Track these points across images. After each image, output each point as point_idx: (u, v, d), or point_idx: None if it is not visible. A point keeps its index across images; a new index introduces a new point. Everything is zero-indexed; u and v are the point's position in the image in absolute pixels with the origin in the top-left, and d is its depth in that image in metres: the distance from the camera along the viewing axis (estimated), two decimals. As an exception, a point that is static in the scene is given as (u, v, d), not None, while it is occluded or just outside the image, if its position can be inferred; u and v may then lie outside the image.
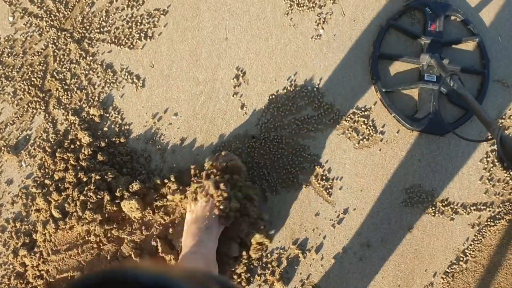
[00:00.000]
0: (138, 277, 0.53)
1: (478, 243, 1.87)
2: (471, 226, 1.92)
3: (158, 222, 1.79)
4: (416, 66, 2.11)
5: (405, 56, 2.07)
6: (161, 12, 1.99)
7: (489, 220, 1.90)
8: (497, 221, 1.90)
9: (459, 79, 1.71)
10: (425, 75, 2.00)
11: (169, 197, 1.78)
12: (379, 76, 2.01)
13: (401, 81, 2.12)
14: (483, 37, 2.13)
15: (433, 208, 1.94)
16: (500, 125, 1.32)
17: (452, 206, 1.92)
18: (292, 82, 1.94)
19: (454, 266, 1.89)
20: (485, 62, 2.05)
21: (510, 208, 1.90)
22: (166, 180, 1.81)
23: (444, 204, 1.93)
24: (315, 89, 1.95)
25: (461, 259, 1.89)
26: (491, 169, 1.95)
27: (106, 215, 1.76)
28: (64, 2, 1.99)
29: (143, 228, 1.80)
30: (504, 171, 1.24)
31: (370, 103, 2.00)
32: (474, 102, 1.53)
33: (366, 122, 1.97)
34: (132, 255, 1.75)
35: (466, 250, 1.89)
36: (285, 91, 1.94)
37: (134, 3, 1.99)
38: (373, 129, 1.97)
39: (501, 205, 1.90)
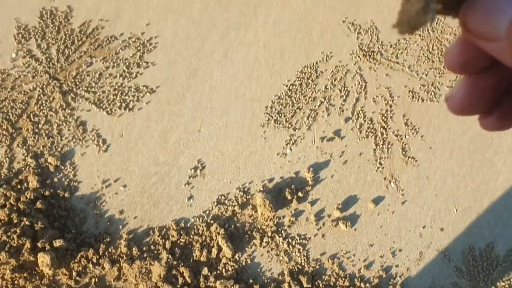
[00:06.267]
0: None
1: None
2: None
3: (67, 284, 1.81)
4: None
5: None
6: (149, 90, 2.12)
7: None
8: None
9: None
10: None
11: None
12: None
13: None
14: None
15: None
16: None
17: None
18: (245, 189, 2.01)
19: None
20: None
21: None
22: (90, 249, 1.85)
23: None
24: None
25: None
26: None
27: (21, 262, 1.79)
28: (66, 54, 2.15)
29: (52, 285, 1.81)
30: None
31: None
32: None
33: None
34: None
35: None
36: (234, 196, 2.00)
37: (128, 75, 2.14)
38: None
39: None
